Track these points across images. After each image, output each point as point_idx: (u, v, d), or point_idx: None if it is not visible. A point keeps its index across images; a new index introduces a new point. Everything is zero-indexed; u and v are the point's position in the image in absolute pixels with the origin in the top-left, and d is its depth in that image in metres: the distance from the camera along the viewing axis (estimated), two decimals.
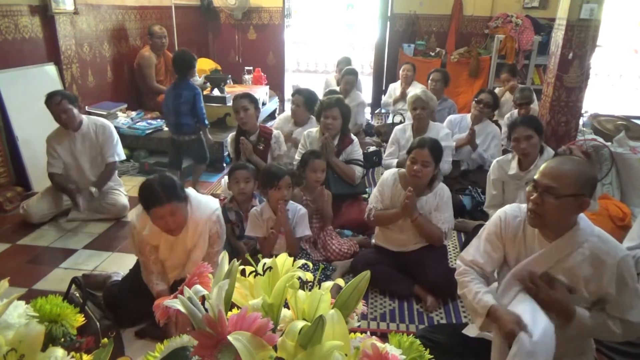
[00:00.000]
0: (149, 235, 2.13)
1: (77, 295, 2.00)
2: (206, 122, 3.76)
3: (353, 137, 3.42)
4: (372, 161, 4.21)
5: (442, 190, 2.54)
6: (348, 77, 4.90)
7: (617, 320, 1.60)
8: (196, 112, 3.67)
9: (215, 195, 3.27)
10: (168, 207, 1.98)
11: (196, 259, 2.15)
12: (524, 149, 2.68)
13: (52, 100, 3.05)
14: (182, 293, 0.74)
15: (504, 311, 1.61)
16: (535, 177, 1.63)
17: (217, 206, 2.25)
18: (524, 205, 1.75)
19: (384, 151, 3.83)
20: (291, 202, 2.62)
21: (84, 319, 0.92)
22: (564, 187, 1.54)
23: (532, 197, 1.62)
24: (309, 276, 0.83)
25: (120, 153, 3.36)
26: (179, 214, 2.04)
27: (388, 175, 2.63)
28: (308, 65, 10.73)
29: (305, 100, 3.71)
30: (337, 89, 4.89)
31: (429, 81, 4.73)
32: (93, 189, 3.20)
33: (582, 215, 1.62)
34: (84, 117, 3.26)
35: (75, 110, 3.13)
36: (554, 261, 1.61)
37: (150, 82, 5.01)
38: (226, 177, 3.06)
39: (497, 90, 5.06)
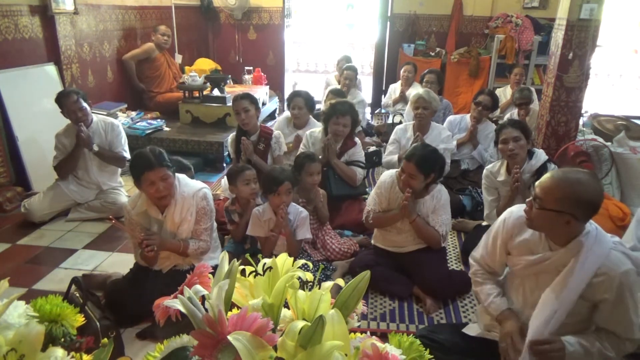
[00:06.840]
0: (138, 216, 2.25)
1: (77, 295, 2.00)
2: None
3: (356, 139, 3.42)
4: (372, 161, 4.21)
5: (440, 192, 2.53)
6: (347, 72, 4.90)
7: (611, 337, 1.59)
8: None
9: (214, 196, 3.25)
10: (159, 171, 2.11)
11: (184, 234, 2.28)
12: (512, 150, 2.65)
13: (69, 99, 3.07)
14: (182, 293, 0.74)
15: (510, 321, 1.72)
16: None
17: (205, 186, 2.35)
18: None
19: (384, 151, 3.83)
20: (293, 204, 2.62)
21: (84, 319, 0.92)
22: (548, 202, 1.55)
23: (527, 200, 1.65)
24: (309, 276, 0.83)
25: (127, 151, 3.37)
26: (169, 180, 2.16)
27: (385, 177, 2.62)
28: (308, 65, 10.73)
29: (305, 102, 3.71)
30: (339, 87, 4.89)
31: (423, 83, 4.69)
32: (95, 146, 3.17)
33: (593, 224, 1.60)
34: (93, 115, 3.29)
35: (88, 108, 3.18)
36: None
37: (133, 78, 4.98)
38: (226, 177, 3.06)
39: (498, 91, 5.06)
